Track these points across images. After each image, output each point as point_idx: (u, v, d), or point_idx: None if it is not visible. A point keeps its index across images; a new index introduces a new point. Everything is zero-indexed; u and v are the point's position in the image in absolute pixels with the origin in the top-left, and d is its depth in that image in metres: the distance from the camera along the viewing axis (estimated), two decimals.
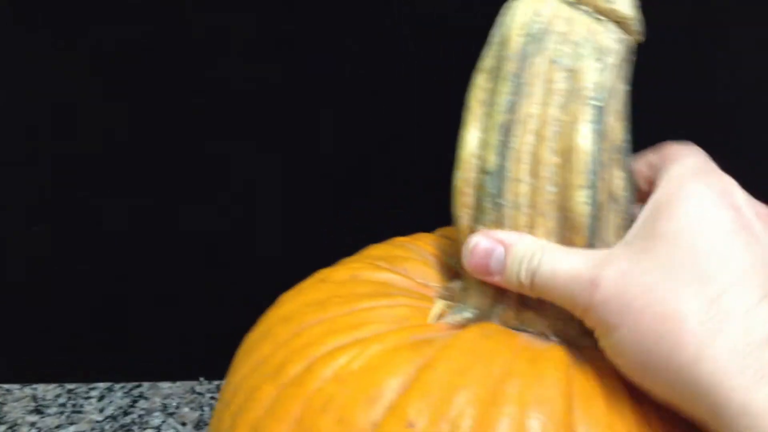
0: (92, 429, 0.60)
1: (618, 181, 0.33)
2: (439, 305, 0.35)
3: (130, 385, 0.64)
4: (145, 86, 0.57)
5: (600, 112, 0.32)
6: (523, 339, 0.32)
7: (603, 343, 0.29)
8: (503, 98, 0.33)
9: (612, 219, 0.33)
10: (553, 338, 0.33)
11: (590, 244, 0.32)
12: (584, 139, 0.32)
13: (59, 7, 0.54)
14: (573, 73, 0.32)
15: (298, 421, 0.30)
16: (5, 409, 0.62)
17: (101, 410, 0.62)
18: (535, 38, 0.33)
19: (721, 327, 0.26)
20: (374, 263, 0.37)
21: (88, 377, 0.64)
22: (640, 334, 0.27)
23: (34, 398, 0.63)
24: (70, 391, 0.64)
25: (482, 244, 0.32)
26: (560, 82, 0.32)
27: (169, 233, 0.61)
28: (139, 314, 0.63)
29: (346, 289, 0.35)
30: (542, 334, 0.33)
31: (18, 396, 0.63)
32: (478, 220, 0.34)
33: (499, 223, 0.33)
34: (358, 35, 0.55)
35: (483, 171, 0.33)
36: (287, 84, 0.56)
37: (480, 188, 0.33)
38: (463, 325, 0.33)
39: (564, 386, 0.29)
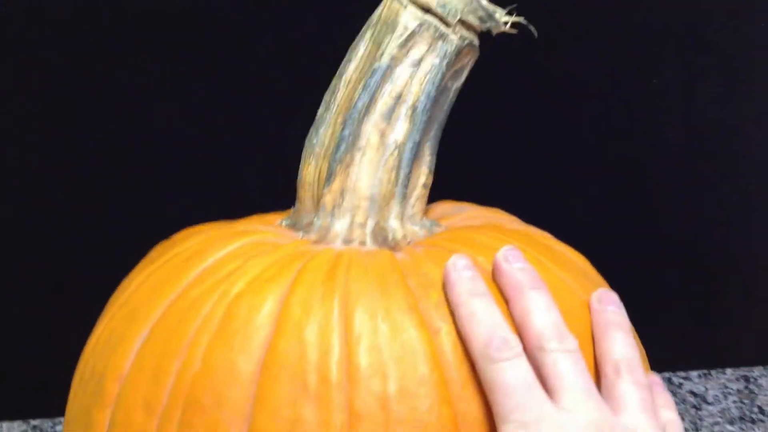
0: None
1: (399, 135, 0.39)
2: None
3: None
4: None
5: (377, 72, 0.39)
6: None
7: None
8: (341, 67, 0.40)
9: (357, 162, 0.39)
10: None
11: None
12: (357, 93, 0.39)
13: None
14: (377, 46, 0.39)
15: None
16: None
17: None
18: (375, 20, 0.40)
19: None
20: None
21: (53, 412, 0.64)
22: None
23: None
24: (35, 427, 0.64)
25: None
26: (371, 55, 0.39)
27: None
28: None
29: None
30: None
31: None
32: (303, 155, 0.41)
33: (311, 156, 0.40)
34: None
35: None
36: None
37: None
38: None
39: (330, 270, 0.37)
